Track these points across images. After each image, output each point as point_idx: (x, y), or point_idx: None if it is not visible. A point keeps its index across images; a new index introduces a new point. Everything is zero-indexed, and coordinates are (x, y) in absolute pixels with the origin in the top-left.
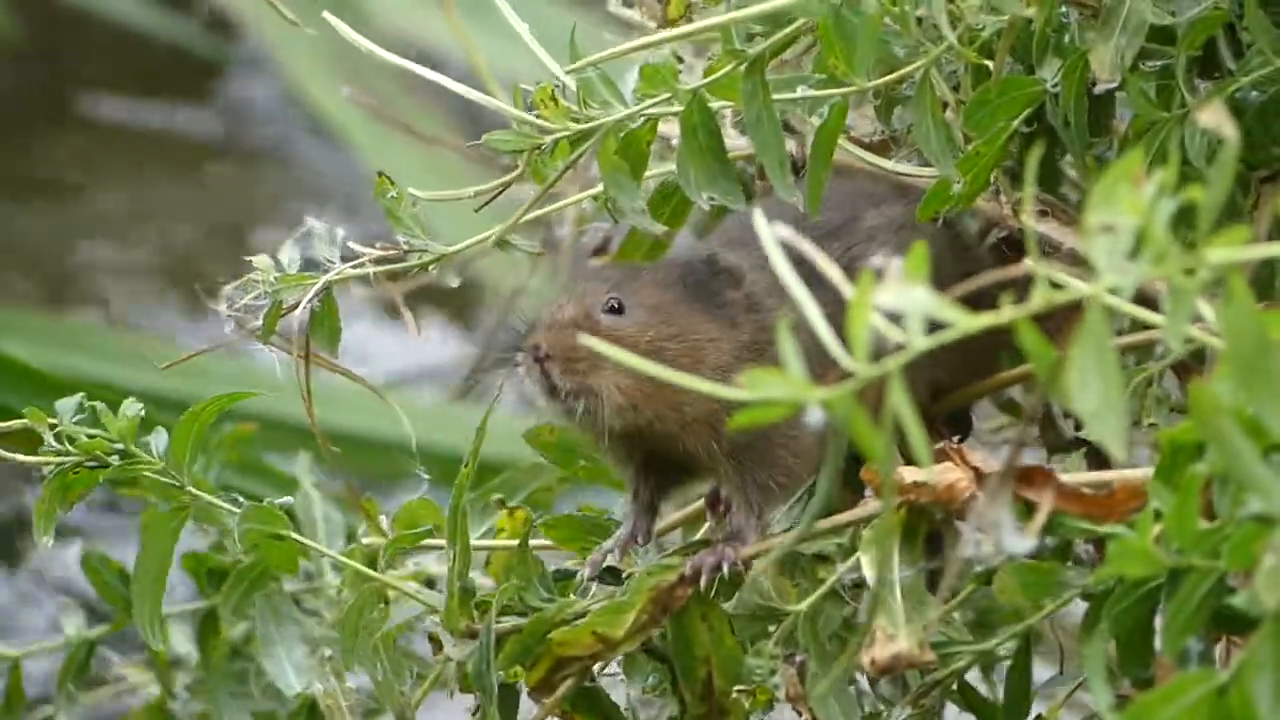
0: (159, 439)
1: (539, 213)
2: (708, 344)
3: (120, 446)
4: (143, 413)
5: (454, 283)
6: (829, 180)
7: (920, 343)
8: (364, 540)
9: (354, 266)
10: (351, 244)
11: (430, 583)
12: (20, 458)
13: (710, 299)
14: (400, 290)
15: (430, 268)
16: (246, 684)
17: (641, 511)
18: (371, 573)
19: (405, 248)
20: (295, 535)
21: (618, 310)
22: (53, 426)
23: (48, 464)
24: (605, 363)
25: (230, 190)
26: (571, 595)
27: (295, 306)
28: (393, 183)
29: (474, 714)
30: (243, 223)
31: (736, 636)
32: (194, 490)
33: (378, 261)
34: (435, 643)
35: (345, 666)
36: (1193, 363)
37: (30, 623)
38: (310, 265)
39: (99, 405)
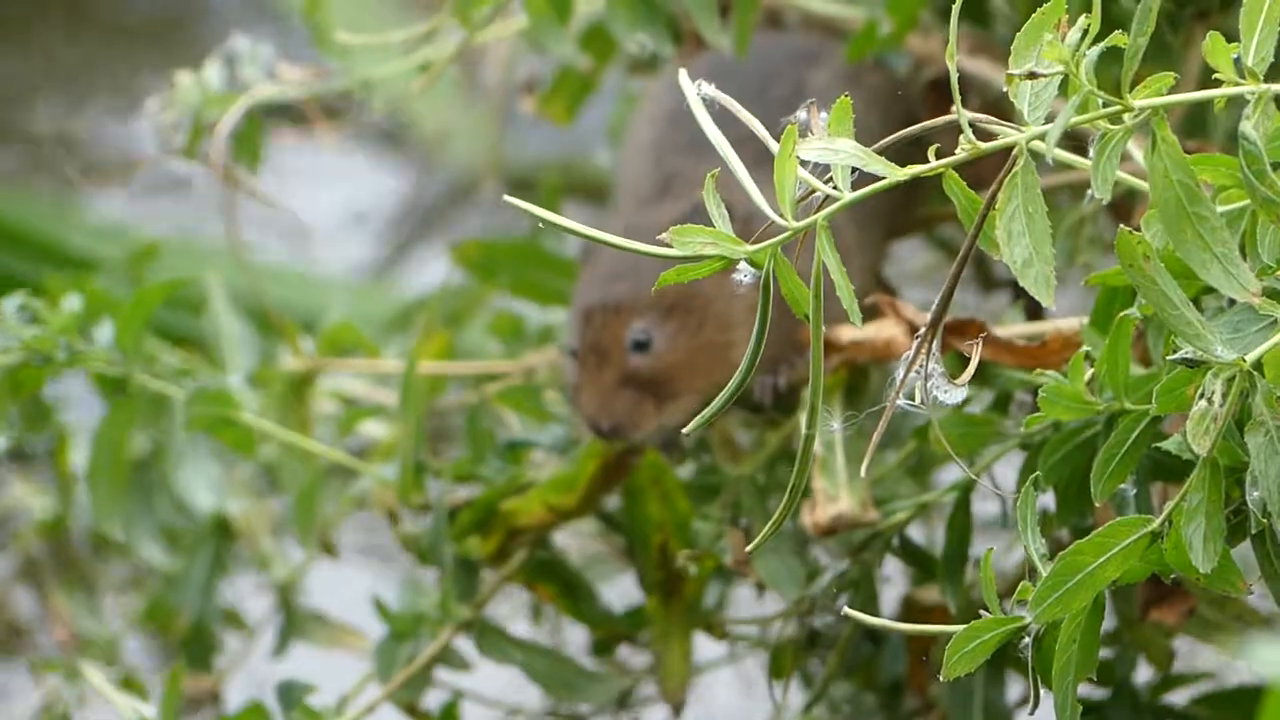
0: (104, 330)
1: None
2: (739, 325)
3: (65, 341)
4: (81, 307)
5: (380, 112)
6: (768, 43)
7: (848, 196)
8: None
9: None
10: (279, 66)
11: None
12: None
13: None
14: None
15: (356, 97)
16: (153, 500)
17: None
18: (313, 445)
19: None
20: (249, 417)
21: (644, 343)
22: None
23: None
24: (661, 398)
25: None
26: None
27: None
28: (324, 3)
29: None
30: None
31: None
32: (144, 380)
33: (303, 85)
34: (390, 516)
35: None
36: (1126, 201)
37: None
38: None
39: (38, 303)
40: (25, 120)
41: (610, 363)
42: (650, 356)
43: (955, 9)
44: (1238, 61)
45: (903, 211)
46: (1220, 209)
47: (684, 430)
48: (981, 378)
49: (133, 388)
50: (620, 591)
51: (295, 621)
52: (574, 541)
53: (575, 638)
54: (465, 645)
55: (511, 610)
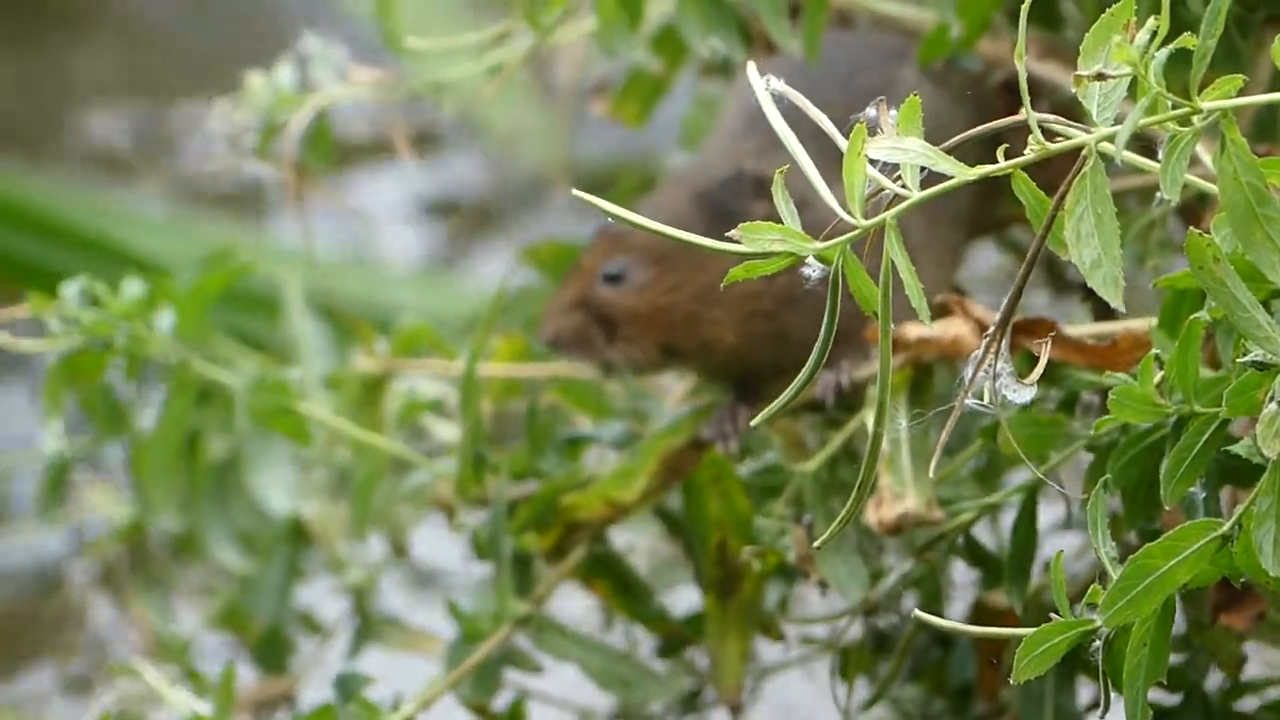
0: (165, 318)
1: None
2: (718, 304)
3: (126, 327)
4: (143, 293)
5: (451, 112)
6: (856, 42)
7: (916, 195)
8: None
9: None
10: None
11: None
12: (27, 345)
13: (734, 221)
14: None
15: (429, 98)
16: (229, 504)
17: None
18: (382, 441)
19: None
20: (307, 408)
21: (617, 277)
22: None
23: (54, 351)
24: (612, 335)
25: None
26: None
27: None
28: (394, 8)
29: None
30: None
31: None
32: (202, 367)
33: (374, 86)
34: (448, 511)
35: (358, 531)
36: (1197, 204)
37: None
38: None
39: (99, 288)
40: (88, 120)
41: (581, 283)
42: (615, 291)
43: (1024, 11)
44: None
45: (975, 213)
46: None
47: (750, 424)
48: (1050, 378)
49: (191, 376)
50: (689, 595)
51: (369, 625)
52: (642, 542)
53: (648, 640)
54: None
55: (585, 610)
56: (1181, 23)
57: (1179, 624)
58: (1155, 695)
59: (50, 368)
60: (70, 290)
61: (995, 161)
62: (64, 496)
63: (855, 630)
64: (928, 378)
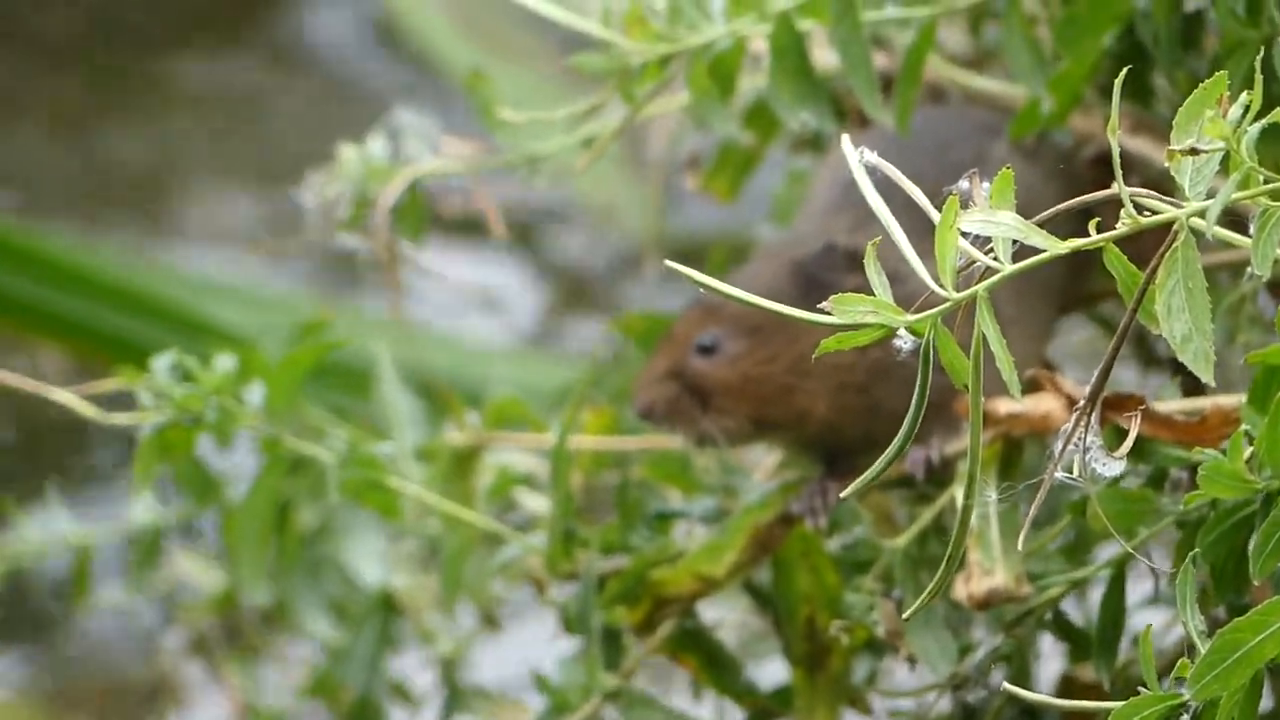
0: (254, 391)
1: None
2: (811, 376)
3: (217, 401)
4: (234, 367)
5: (544, 186)
6: (949, 116)
7: (1009, 268)
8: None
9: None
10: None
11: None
12: (120, 419)
13: (826, 294)
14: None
15: (521, 173)
16: (320, 575)
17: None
18: (473, 516)
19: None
20: (398, 482)
21: (710, 348)
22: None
23: (145, 424)
24: (705, 405)
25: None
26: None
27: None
28: (488, 81)
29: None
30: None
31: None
32: (293, 442)
33: (467, 160)
34: (538, 585)
35: (447, 605)
36: None
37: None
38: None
39: (190, 362)
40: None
41: (674, 354)
42: (708, 363)
43: (1118, 86)
44: None
45: (1066, 288)
46: None
47: (841, 497)
48: (1139, 453)
49: (282, 450)
50: (777, 669)
51: (458, 695)
52: (731, 616)
53: (736, 714)
54: None
55: (676, 684)
56: (1274, 98)
57: (1267, 698)
58: None
59: (141, 441)
60: (161, 364)
61: (1086, 236)
62: (155, 566)
63: (943, 704)
64: (1017, 453)
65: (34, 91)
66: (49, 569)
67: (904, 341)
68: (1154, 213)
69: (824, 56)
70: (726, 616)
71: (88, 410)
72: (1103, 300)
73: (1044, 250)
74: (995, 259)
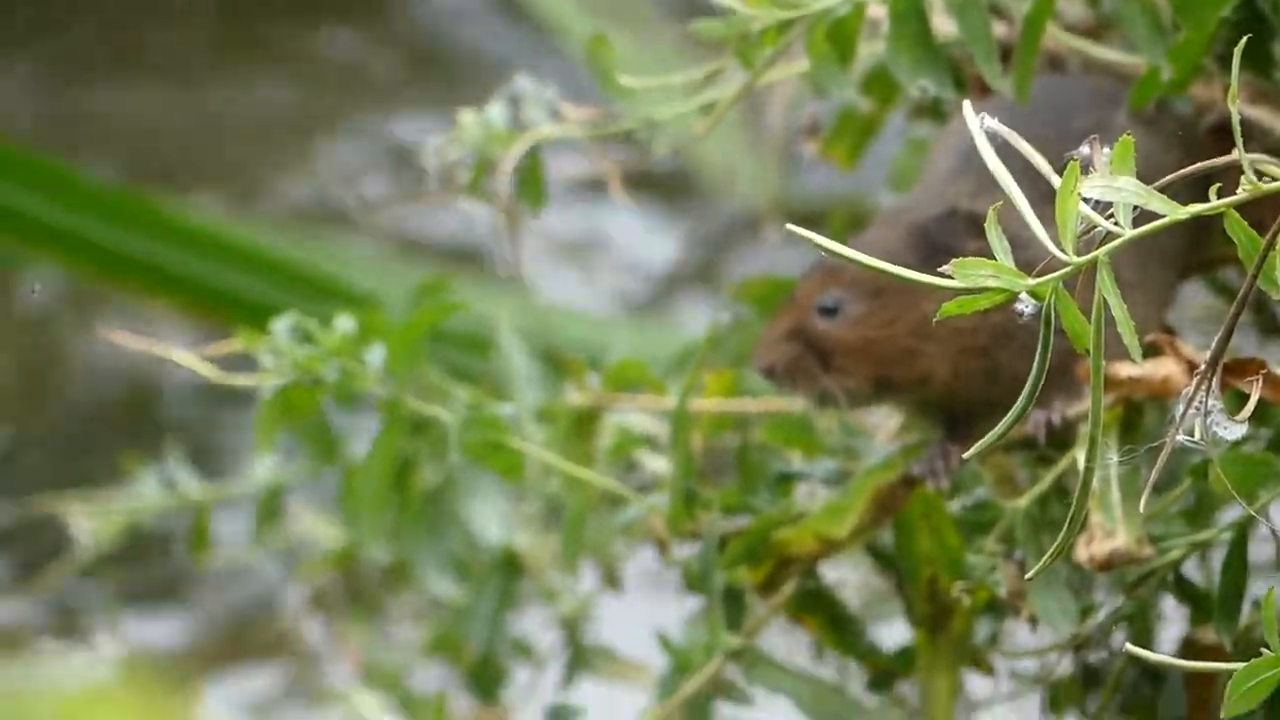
0: (374, 353)
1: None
2: (932, 339)
3: (337, 363)
4: (354, 328)
5: (663, 153)
6: (1069, 84)
7: (1129, 233)
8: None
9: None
10: (562, 106)
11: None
12: (238, 380)
13: (947, 258)
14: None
15: (643, 139)
16: (441, 533)
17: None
18: (594, 476)
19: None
20: (519, 443)
21: (832, 310)
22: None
23: (266, 386)
24: (827, 366)
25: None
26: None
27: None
28: (608, 46)
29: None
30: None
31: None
32: (414, 403)
33: (586, 125)
34: (660, 545)
35: (569, 565)
36: None
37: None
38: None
39: (311, 324)
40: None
41: (796, 315)
42: (830, 324)
43: (1237, 54)
44: None
45: (1185, 254)
46: None
47: (963, 459)
48: (1260, 417)
49: (403, 411)
50: (899, 630)
51: (581, 655)
52: (853, 577)
53: (859, 674)
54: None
55: (797, 645)
56: None
57: None
58: None
59: (262, 403)
60: (281, 326)
61: (1206, 203)
62: (277, 525)
63: (1065, 665)
64: (1138, 416)
65: (156, 48)
66: (174, 529)
67: (1025, 306)
68: (1274, 179)
69: (943, 24)
70: (849, 577)
71: (208, 371)
72: (1222, 266)
73: (1164, 215)
74: (1116, 224)
